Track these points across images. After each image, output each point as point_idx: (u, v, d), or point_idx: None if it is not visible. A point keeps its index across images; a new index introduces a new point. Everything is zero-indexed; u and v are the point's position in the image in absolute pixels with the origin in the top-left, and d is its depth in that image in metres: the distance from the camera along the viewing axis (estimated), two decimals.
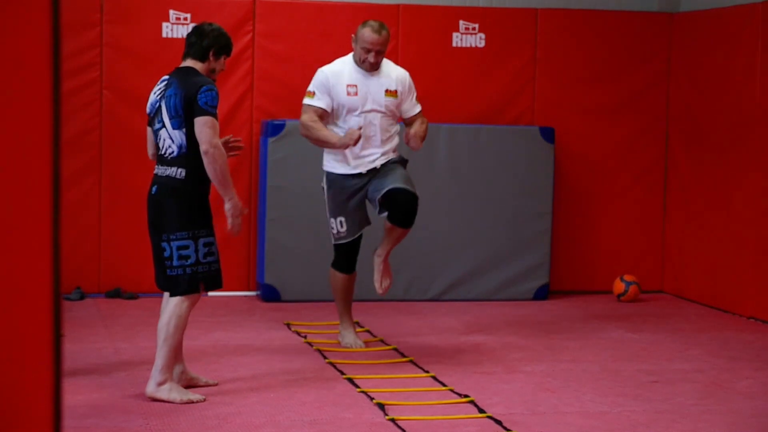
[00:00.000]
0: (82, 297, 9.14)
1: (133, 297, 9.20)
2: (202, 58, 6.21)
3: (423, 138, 7.36)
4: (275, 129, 9.17)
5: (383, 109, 7.29)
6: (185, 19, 9.26)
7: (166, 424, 5.75)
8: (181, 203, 6.06)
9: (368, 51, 7.23)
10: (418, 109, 7.46)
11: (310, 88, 7.31)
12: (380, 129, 7.27)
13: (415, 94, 7.46)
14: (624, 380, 6.91)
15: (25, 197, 2.34)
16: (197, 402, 6.11)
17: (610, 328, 8.58)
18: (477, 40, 9.81)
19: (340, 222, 7.33)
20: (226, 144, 6.34)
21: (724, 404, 6.42)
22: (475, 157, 9.52)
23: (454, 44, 9.73)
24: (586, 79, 9.97)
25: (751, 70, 9.01)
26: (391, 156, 7.35)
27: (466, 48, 9.76)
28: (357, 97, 7.25)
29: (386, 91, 7.32)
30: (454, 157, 9.36)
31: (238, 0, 9.38)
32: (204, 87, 6.06)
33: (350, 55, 7.37)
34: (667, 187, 10.13)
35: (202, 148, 6.02)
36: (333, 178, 7.34)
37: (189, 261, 6.07)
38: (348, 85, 7.26)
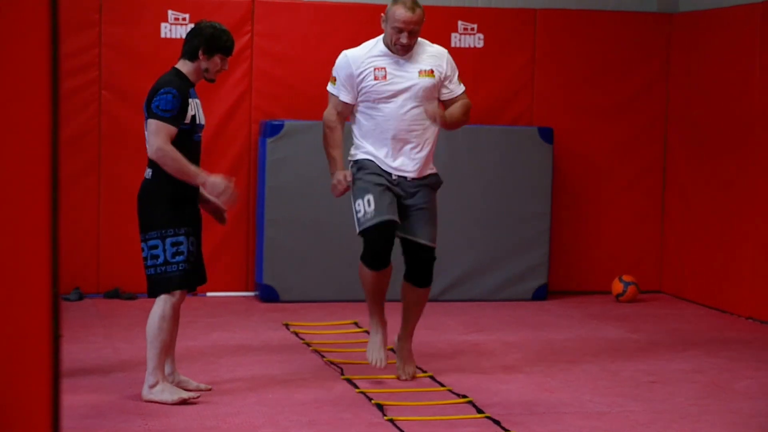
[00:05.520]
0: (80, 297, 9.13)
1: (131, 297, 9.19)
2: (191, 58, 6.13)
3: (457, 123, 6.58)
4: (274, 129, 9.16)
5: (418, 93, 6.48)
6: (184, 19, 9.25)
7: (165, 424, 5.74)
8: (150, 203, 6.05)
9: (400, 31, 6.38)
10: (461, 90, 6.64)
11: (333, 71, 6.59)
12: (413, 118, 6.50)
13: (457, 74, 6.63)
14: (623, 380, 6.91)
15: (24, 197, 2.34)
16: (189, 400, 6.09)
17: (609, 328, 8.57)
18: (476, 41, 9.81)
19: (368, 200, 6.40)
20: (217, 208, 6.29)
21: (724, 404, 6.42)
22: (474, 157, 9.51)
23: (452, 44, 9.72)
24: (585, 79, 9.97)
25: (751, 70, 9.01)
26: (428, 169, 6.67)
27: (464, 48, 9.76)
28: (386, 82, 6.45)
29: (420, 71, 6.49)
30: (453, 157, 9.35)
31: (237, 0, 9.38)
32: (161, 90, 5.96)
33: (380, 37, 6.56)
34: (666, 188, 10.13)
35: (150, 154, 5.97)
36: (365, 162, 6.54)
37: (158, 261, 6.06)
38: (376, 68, 6.46)
